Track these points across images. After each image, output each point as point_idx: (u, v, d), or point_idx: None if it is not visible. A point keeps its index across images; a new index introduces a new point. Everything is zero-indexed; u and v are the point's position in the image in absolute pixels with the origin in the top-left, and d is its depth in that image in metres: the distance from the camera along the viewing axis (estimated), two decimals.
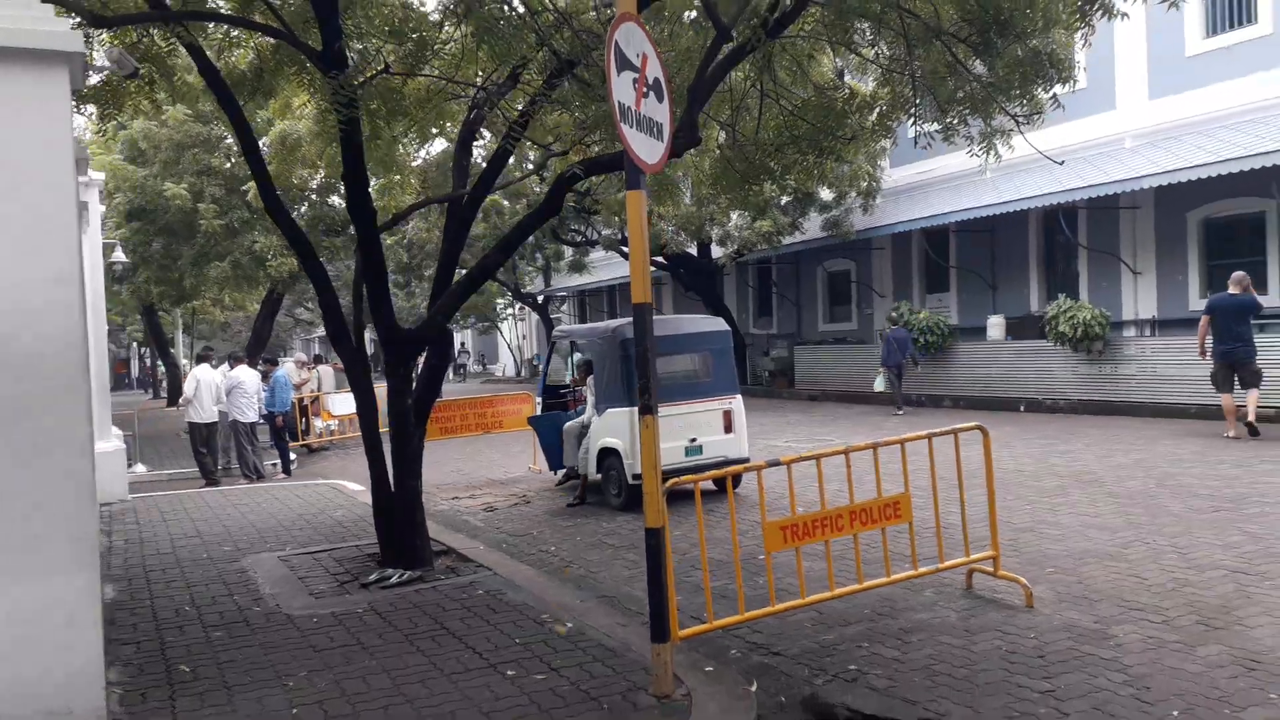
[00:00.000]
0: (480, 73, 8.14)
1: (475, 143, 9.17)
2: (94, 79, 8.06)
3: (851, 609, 6.25)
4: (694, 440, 10.06)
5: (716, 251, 21.99)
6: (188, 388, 14.14)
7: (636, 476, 9.66)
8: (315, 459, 17.11)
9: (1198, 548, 7.18)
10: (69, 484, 4.43)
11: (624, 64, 4.44)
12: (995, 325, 18.85)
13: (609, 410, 10.09)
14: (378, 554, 7.74)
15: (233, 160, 17.37)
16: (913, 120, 7.47)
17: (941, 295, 22.40)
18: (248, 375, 14.24)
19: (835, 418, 17.95)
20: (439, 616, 6.17)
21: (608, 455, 10.14)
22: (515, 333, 42.47)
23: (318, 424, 18.10)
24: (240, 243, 17.54)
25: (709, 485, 10.69)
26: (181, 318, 33.90)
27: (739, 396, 10.47)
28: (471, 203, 7.97)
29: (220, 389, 14.12)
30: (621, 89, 4.39)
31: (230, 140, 17.56)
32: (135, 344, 56.90)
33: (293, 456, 15.88)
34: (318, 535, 9.19)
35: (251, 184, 14.04)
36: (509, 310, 39.32)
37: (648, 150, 4.61)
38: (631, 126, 4.47)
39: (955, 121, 7.13)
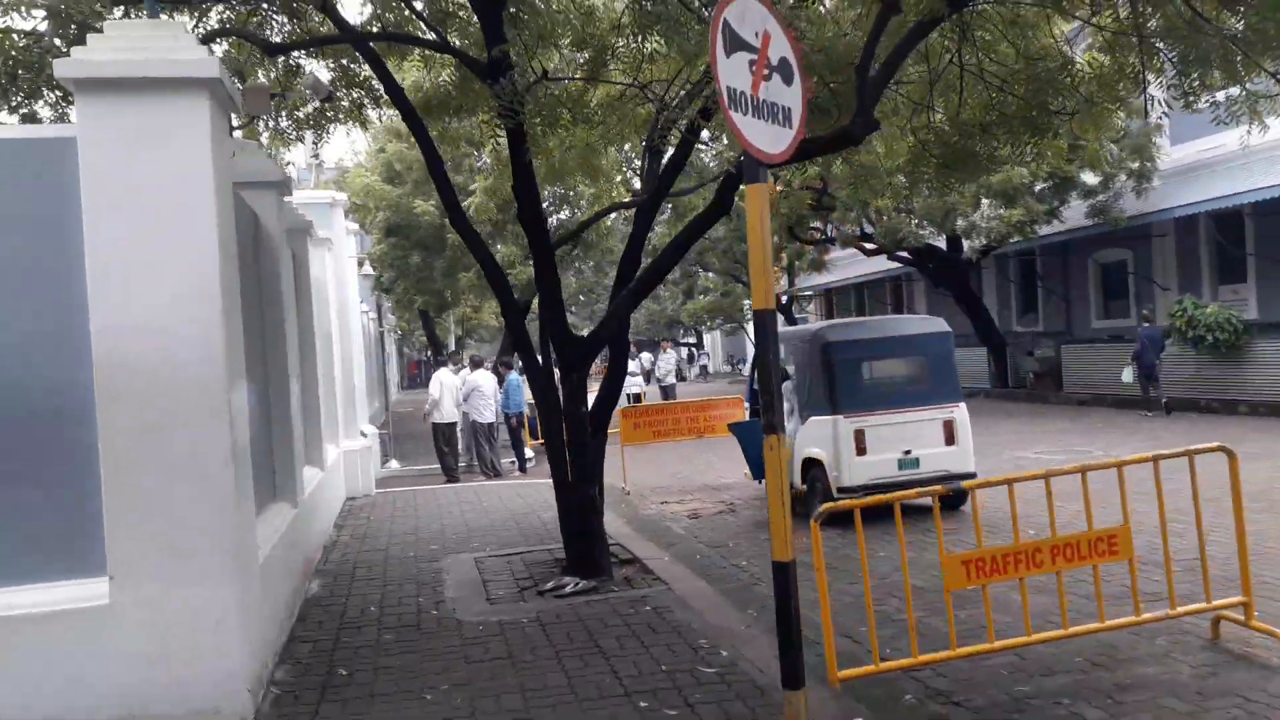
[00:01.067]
0: (666, 76, 7.89)
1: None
2: (309, 106, 8.63)
3: (1061, 656, 5.38)
4: (908, 453, 9.24)
5: (966, 244, 20.45)
6: (432, 390, 15.00)
7: (842, 489, 9.03)
8: None
9: None
10: (211, 496, 4.61)
11: (736, 44, 3.99)
12: None
13: (812, 418, 9.51)
14: (564, 560, 7.70)
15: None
16: (1141, 91, 6.34)
17: (1237, 287, 19.52)
18: (485, 379, 14.89)
19: (1107, 426, 16.08)
20: (597, 633, 5.97)
21: (812, 466, 9.55)
22: None
23: None
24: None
25: (926, 502, 9.83)
26: (454, 323, 36.40)
27: (963, 405, 9.51)
28: (653, 207, 7.74)
29: (460, 392, 14.85)
30: (731, 72, 3.95)
31: (476, 158, 18.49)
32: (423, 347, 62.08)
33: (530, 455, 16.47)
34: (520, 536, 9.33)
35: (473, 199, 14.64)
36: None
37: (769, 139, 4.13)
38: (745, 113, 4.01)
39: (1196, 86, 5.96)
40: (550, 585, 7.08)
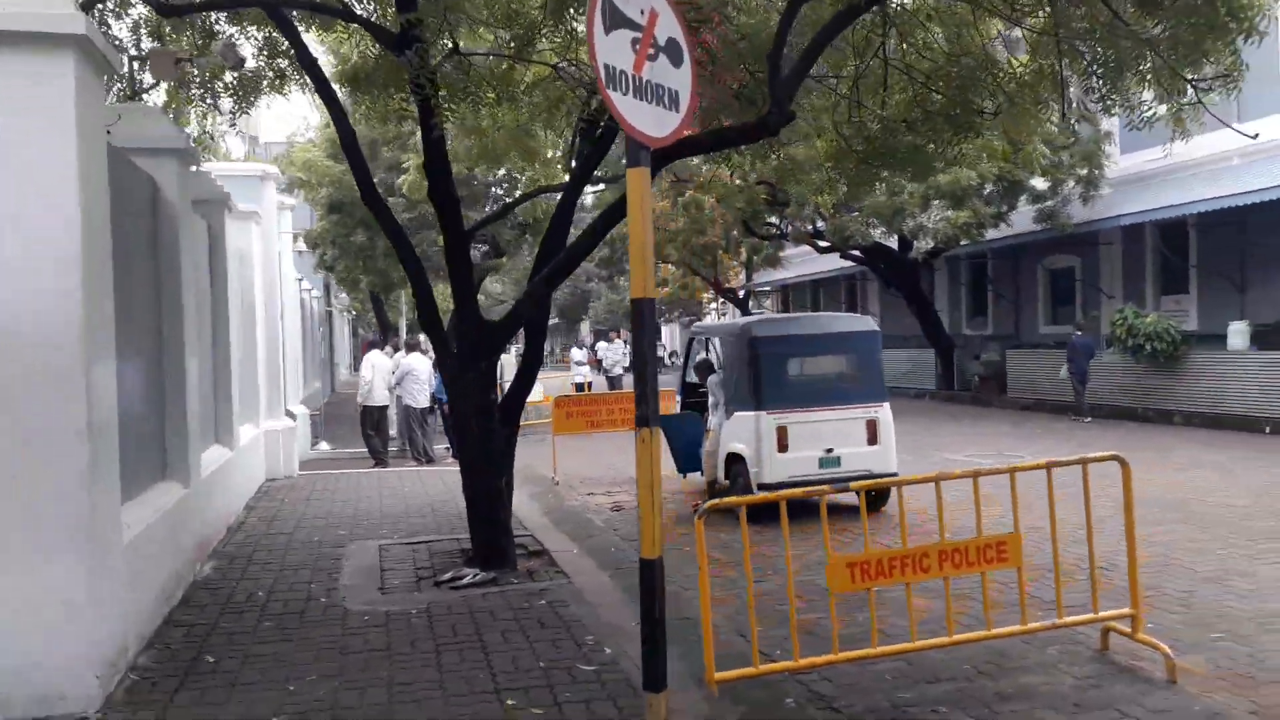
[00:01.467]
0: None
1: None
2: (228, 76, 8.35)
3: (951, 662, 5.32)
4: (830, 451, 9.16)
5: (915, 245, 20.47)
6: (363, 373, 14.73)
7: (762, 485, 8.93)
8: None
9: None
10: (63, 472, 4.38)
11: (618, 21, 3.83)
12: (1237, 333, 16.33)
13: (737, 413, 9.40)
14: (469, 550, 7.53)
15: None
16: (1061, 94, 6.26)
17: (1179, 297, 19.76)
18: (419, 362, 14.62)
19: (1045, 431, 16.18)
20: (484, 627, 5.81)
21: (735, 461, 9.46)
22: None
23: None
24: (428, 235, 18.19)
25: (852, 500, 9.76)
26: (406, 305, 35.94)
27: (886, 405, 9.45)
28: (575, 190, 7.57)
29: (393, 375, 14.59)
30: (611, 50, 3.78)
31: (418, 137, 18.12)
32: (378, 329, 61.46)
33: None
34: (434, 524, 9.14)
35: (406, 177, 14.35)
36: (712, 305, 38.93)
37: (653, 122, 3.98)
38: (626, 93, 3.85)
39: (1113, 91, 5.88)
40: (448, 576, 6.91)
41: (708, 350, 10.57)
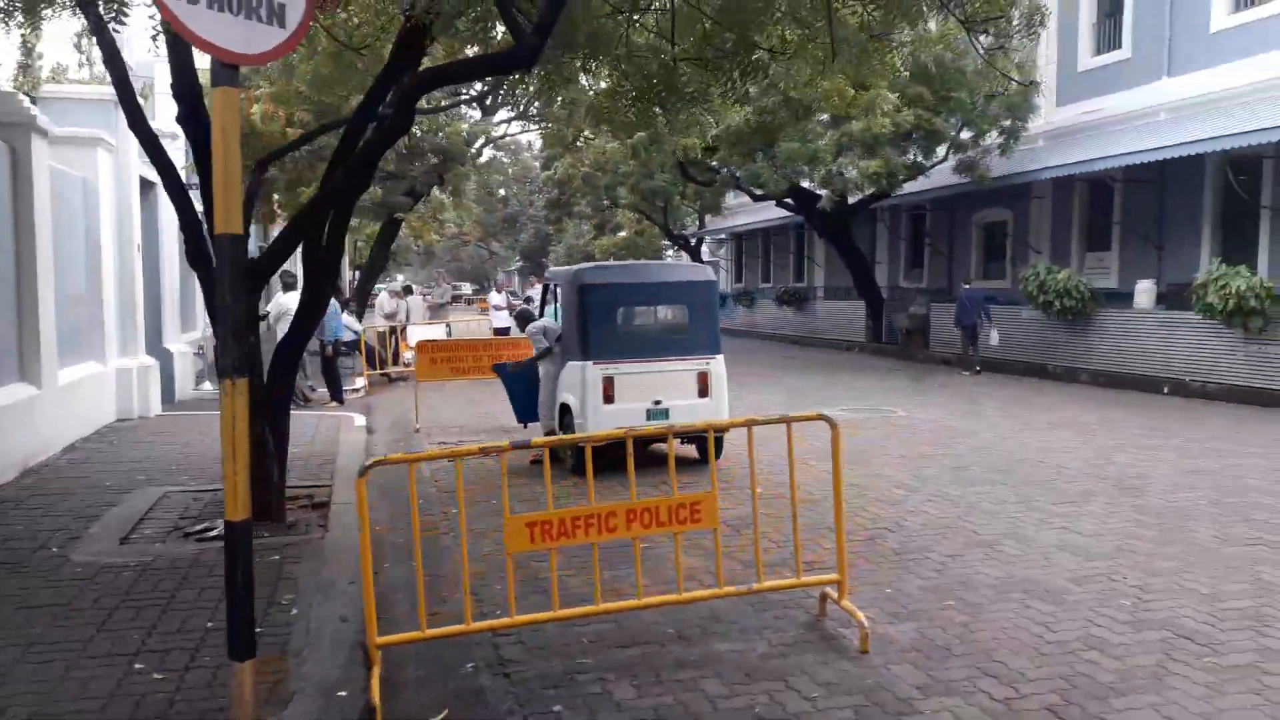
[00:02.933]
0: None
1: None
2: None
3: (662, 624, 5.10)
4: (658, 403, 8.88)
5: (823, 195, 19.99)
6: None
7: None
8: (390, 389, 17.05)
9: (1171, 597, 5.40)
10: None
11: None
12: (1144, 292, 16.07)
13: (569, 363, 9.09)
14: None
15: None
16: (829, 34, 5.84)
17: (1102, 255, 19.48)
18: (294, 302, 14.20)
19: (940, 387, 15.97)
20: (189, 582, 5.55)
21: (566, 412, 9.18)
22: None
23: (407, 356, 18.09)
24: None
25: (692, 452, 9.54)
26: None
27: (719, 357, 9.16)
28: (359, 126, 7.15)
29: (271, 314, 14.18)
30: None
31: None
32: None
33: (360, 385, 16.01)
34: None
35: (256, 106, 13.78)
36: (667, 252, 38.44)
37: (241, 37, 3.61)
38: (196, 2, 3.46)
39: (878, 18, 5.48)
40: (199, 528, 6.64)
41: (556, 298, 10.22)
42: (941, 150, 18.26)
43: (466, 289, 69.93)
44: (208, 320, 14.51)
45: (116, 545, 6.32)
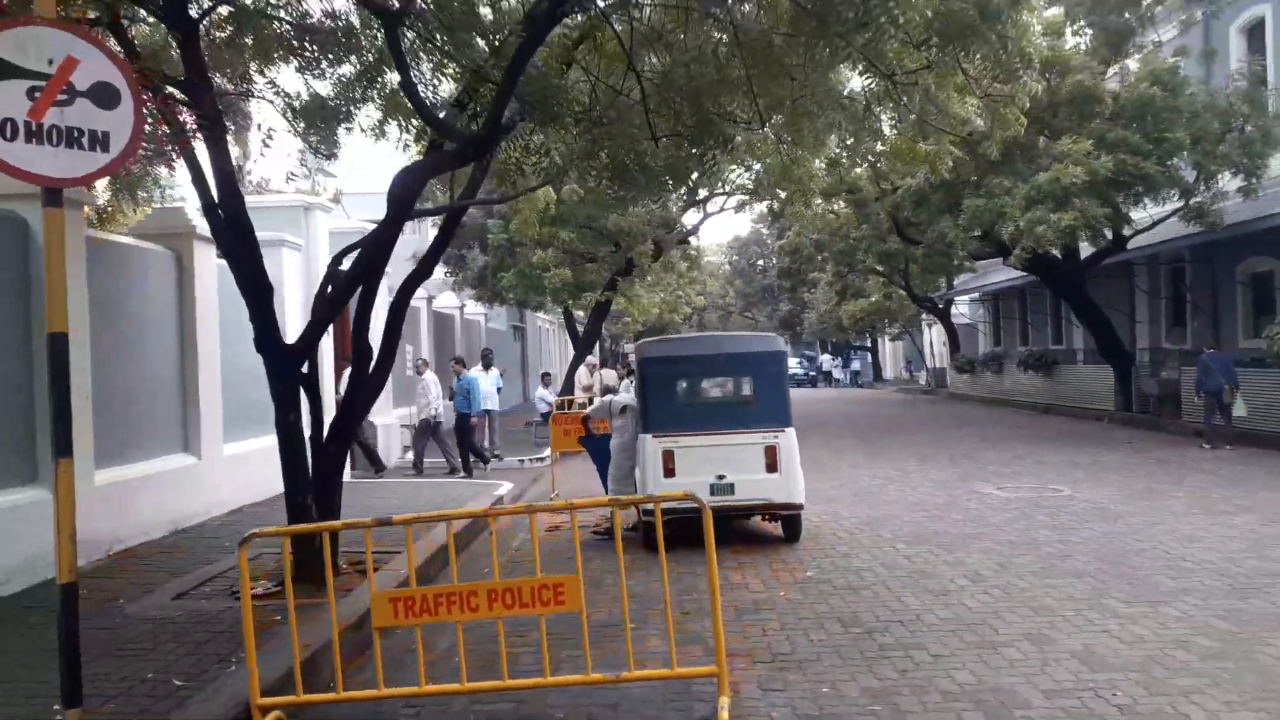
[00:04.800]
0: None
1: None
2: None
3: (566, 704, 5.01)
4: (722, 477, 8.67)
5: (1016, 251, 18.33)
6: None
7: (647, 512, 8.63)
8: (576, 459, 17.60)
9: None
10: None
11: (9, 72, 4.10)
12: None
13: (639, 435, 9.12)
14: None
15: None
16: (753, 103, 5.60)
17: None
18: (431, 378, 15.54)
19: (1162, 461, 14.05)
20: (180, 636, 6.17)
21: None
22: (932, 338, 39.77)
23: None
24: (525, 255, 18.89)
25: (767, 527, 9.14)
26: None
27: (790, 430, 8.79)
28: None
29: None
30: None
31: None
32: None
33: (547, 455, 16.81)
34: None
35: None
36: (921, 317, 36.89)
37: (65, 164, 4.20)
38: (14, 140, 4.09)
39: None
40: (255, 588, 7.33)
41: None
42: (1153, 198, 16.28)
43: None
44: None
45: (169, 600, 7.15)
